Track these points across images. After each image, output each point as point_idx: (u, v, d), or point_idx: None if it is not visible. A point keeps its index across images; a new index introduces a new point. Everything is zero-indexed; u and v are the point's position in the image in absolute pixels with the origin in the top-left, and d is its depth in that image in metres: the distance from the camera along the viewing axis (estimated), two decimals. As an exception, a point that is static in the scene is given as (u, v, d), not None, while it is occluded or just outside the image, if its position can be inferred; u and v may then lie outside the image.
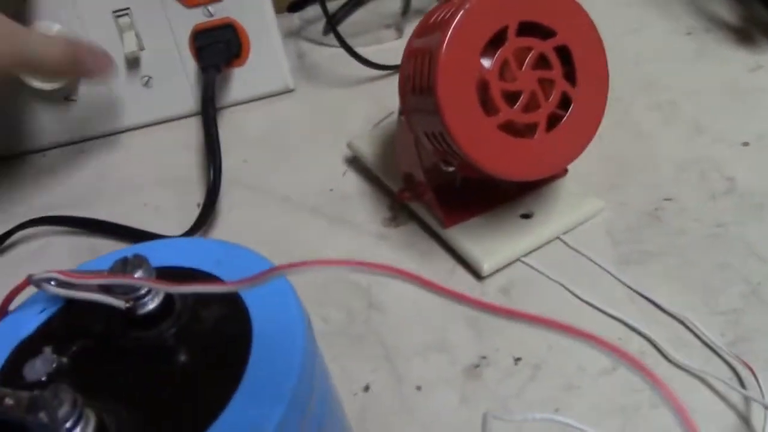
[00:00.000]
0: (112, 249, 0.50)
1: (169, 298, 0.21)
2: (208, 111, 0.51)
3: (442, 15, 0.39)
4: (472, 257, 0.43)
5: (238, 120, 0.59)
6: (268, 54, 0.59)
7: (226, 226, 0.50)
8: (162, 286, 0.19)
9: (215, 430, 0.18)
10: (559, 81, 0.40)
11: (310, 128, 0.58)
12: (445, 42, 0.37)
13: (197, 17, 0.57)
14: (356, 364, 0.40)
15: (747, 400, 0.34)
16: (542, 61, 0.39)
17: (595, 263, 0.43)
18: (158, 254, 0.22)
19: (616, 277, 0.41)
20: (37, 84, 0.55)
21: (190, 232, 0.48)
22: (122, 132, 0.60)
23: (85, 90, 0.58)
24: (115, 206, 0.54)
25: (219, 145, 0.50)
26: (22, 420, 0.18)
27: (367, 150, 0.51)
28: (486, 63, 0.38)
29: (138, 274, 0.20)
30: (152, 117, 0.60)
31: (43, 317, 0.22)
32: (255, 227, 0.50)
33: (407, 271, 0.17)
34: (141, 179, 0.56)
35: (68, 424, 0.18)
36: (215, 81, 0.54)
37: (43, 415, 0.17)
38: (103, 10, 0.56)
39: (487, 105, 0.38)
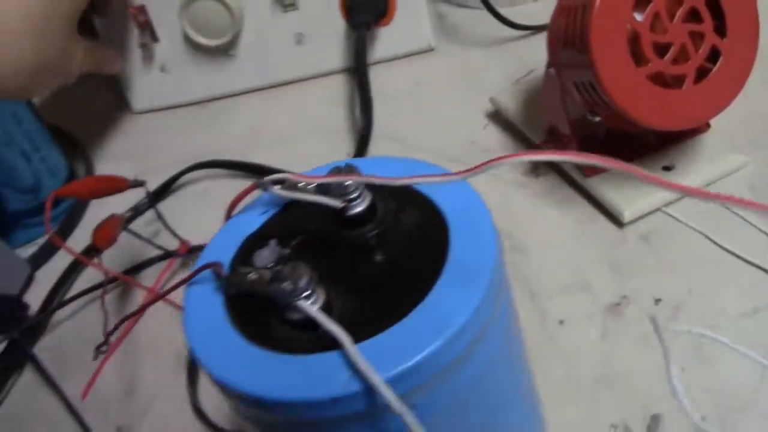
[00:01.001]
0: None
1: (373, 204, 0.25)
2: (361, 66, 0.54)
3: (596, -31, 0.41)
4: (613, 205, 0.45)
5: (383, 77, 0.63)
6: (412, 14, 0.62)
7: (374, 174, 0.54)
8: (380, 180, 0.22)
9: (421, 311, 0.22)
10: (709, 34, 0.41)
11: (451, 85, 0.61)
12: (599, -6, 0.39)
13: (349, -21, 0.60)
14: (501, 299, 0.42)
15: None
16: (693, 15, 0.41)
17: (737, 215, 0.44)
18: (363, 167, 0.25)
19: (758, 228, 0.42)
20: (203, 41, 0.60)
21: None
22: (276, 86, 0.65)
23: (245, 46, 0.63)
24: (270, 154, 0.58)
25: (370, 97, 0.53)
26: (263, 292, 0.22)
27: (509, 104, 0.54)
28: (638, 16, 0.40)
29: (350, 176, 0.24)
30: (303, 72, 0.64)
31: (264, 218, 0.26)
32: (400, 175, 0.53)
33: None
34: (294, 130, 0.60)
35: (306, 294, 0.21)
36: (366, 37, 0.57)
37: (287, 284, 0.21)
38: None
39: (638, 56, 0.40)
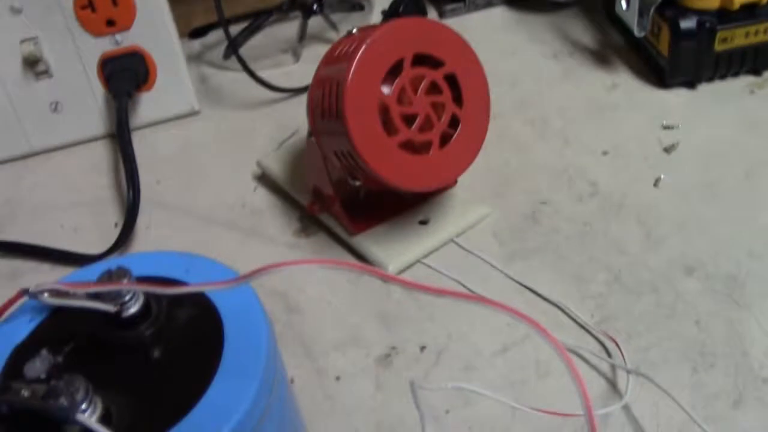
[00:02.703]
0: (33, 271, 0.52)
1: (147, 303, 0.25)
2: (124, 134, 0.54)
3: (346, 48, 0.44)
4: (378, 260, 0.48)
5: (148, 142, 0.62)
6: (174, 79, 0.62)
7: (144, 244, 0.53)
8: (159, 289, 0.23)
9: (201, 408, 0.23)
10: (448, 104, 0.46)
11: (218, 148, 0.62)
12: (351, 72, 0.42)
13: (105, 45, 0.59)
14: (280, 361, 0.44)
15: (613, 367, 0.41)
16: (434, 87, 0.45)
17: (485, 261, 0.49)
18: (134, 266, 0.26)
19: (503, 272, 0.48)
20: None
21: (111, 251, 0.51)
22: (32, 156, 0.62)
23: (-6, 116, 0.60)
24: (31, 229, 0.56)
25: (136, 166, 0.53)
26: (38, 408, 0.22)
27: (276, 167, 0.56)
28: (386, 90, 0.44)
29: (123, 282, 0.24)
30: (61, 140, 0.62)
31: (32, 325, 0.26)
32: (172, 243, 0.53)
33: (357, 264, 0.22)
34: (55, 201, 0.58)
35: (83, 407, 0.22)
36: (127, 106, 0.57)
37: (63, 400, 0.21)
38: (10, 39, 0.57)
39: (388, 126, 0.44)
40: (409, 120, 0.44)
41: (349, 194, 0.50)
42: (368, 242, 0.49)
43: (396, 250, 0.49)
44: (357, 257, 0.50)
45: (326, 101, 0.44)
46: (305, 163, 0.54)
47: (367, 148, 0.43)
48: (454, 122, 0.46)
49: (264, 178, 0.57)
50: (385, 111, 0.44)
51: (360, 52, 0.43)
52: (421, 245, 0.49)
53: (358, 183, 0.47)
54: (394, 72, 0.44)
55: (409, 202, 0.52)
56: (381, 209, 0.51)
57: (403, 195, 0.51)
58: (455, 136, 0.46)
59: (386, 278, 0.22)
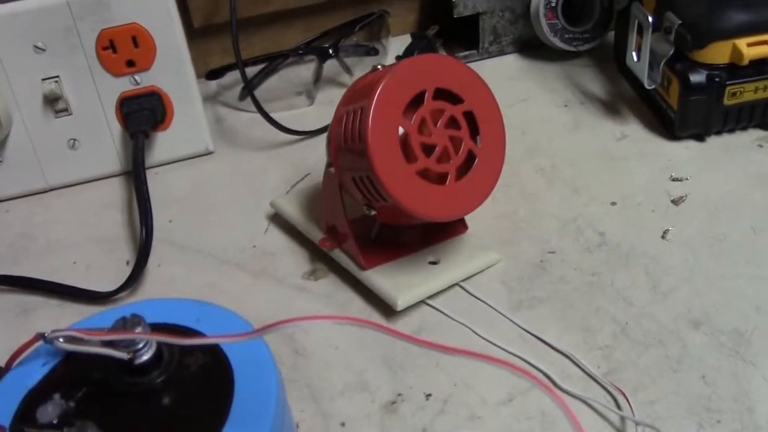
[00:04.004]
0: (43, 306, 0.53)
1: (159, 351, 0.26)
2: (140, 174, 0.55)
3: (370, 80, 0.46)
4: (387, 294, 0.49)
5: (162, 180, 0.63)
6: (190, 119, 0.64)
7: (156, 282, 0.54)
8: (174, 340, 0.24)
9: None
10: (466, 139, 0.46)
11: (231, 188, 0.62)
12: (375, 100, 0.44)
13: (124, 85, 0.61)
14: (286, 404, 0.44)
15: (622, 419, 0.41)
16: (453, 122, 0.46)
17: (493, 308, 0.49)
18: (145, 313, 0.26)
19: (511, 320, 0.48)
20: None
21: (122, 289, 0.52)
22: (47, 191, 0.63)
23: (13, 151, 0.61)
24: (43, 264, 0.56)
25: (150, 205, 0.54)
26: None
27: (289, 207, 0.56)
28: (408, 120, 0.45)
29: (137, 330, 0.25)
30: (77, 177, 0.63)
31: (46, 369, 0.26)
32: (183, 283, 0.54)
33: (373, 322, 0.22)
34: (68, 238, 0.59)
35: (94, 454, 0.22)
36: (144, 145, 0.58)
37: (74, 447, 0.22)
38: (33, 77, 0.59)
39: (407, 154, 0.45)
40: (427, 150, 0.45)
41: (362, 233, 0.51)
42: (378, 277, 0.50)
43: (405, 285, 0.49)
44: (366, 295, 0.50)
45: (349, 125, 0.46)
46: (321, 200, 0.54)
47: (386, 172, 0.44)
48: (470, 158, 0.47)
49: (276, 220, 0.58)
50: (405, 139, 0.45)
51: (384, 81, 0.44)
52: (431, 283, 0.50)
53: (373, 212, 0.48)
54: (415, 104, 0.45)
55: (419, 242, 0.52)
56: (392, 249, 0.52)
57: (414, 235, 0.52)
58: (471, 170, 0.47)
59: (394, 334, 0.22)
